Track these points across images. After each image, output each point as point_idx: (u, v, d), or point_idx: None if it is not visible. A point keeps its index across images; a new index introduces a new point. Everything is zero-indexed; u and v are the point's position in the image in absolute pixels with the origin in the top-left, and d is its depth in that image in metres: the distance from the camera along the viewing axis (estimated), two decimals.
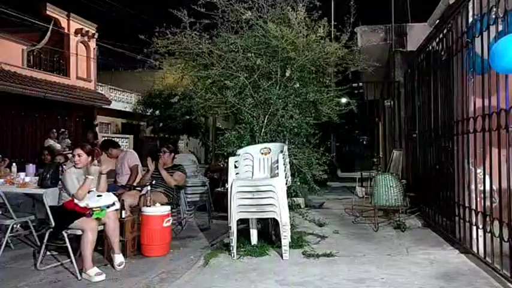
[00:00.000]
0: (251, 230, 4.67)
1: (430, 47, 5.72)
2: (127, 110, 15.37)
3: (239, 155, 4.69)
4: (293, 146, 5.22)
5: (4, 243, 4.41)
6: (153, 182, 5.24)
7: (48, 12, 13.05)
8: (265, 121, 5.14)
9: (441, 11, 6.09)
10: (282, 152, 4.45)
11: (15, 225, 4.53)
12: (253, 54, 5.10)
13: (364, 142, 17.69)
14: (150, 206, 4.59)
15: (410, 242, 4.84)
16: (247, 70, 5.21)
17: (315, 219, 5.92)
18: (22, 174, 4.99)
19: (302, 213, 6.16)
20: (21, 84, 10.89)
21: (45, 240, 4.08)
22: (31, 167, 5.20)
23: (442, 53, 5.17)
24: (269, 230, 4.77)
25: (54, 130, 8.05)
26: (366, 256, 4.28)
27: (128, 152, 6.18)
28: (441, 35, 5.16)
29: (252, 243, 4.61)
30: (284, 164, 4.39)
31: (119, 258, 4.04)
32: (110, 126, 15.34)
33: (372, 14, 10.47)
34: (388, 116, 10.96)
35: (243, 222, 4.68)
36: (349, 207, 7.07)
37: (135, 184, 5.53)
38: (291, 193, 4.98)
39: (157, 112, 12.82)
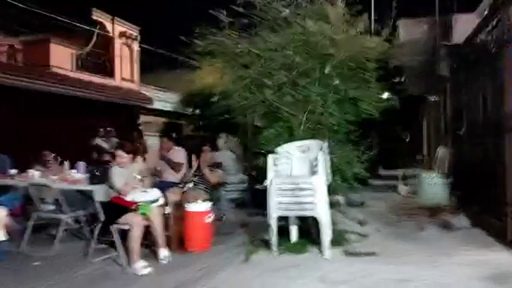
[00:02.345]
0: (290, 227, 4.68)
1: (478, 39, 5.45)
2: (169, 109, 15.81)
3: (278, 152, 4.71)
4: (333, 143, 5.16)
5: (59, 236, 4.71)
6: (195, 179, 5.39)
7: (94, 17, 13.68)
8: (304, 119, 5.12)
9: (490, 0, 5.78)
10: (321, 149, 4.42)
11: (68, 220, 4.81)
12: (291, 52, 5.09)
13: (407, 139, 17.10)
14: (192, 203, 4.73)
15: (456, 242, 4.66)
16: (286, 68, 5.20)
17: (356, 217, 5.83)
18: (74, 172, 5.29)
19: (342, 211, 6.09)
20: (71, 86, 11.52)
21: (95, 234, 4.33)
22: (81, 165, 5.49)
23: (492, 44, 4.92)
24: (309, 228, 4.75)
25: (101, 129, 8.45)
26: (409, 256, 4.17)
27: (176, 149, 6.21)
28: (490, 26, 4.91)
29: (292, 241, 4.62)
30: (324, 162, 4.36)
31: (163, 252, 4.20)
32: (153, 125, 15.84)
33: (415, 6, 10.08)
34: (432, 111, 10.55)
35: (283, 220, 4.71)
36: (392, 205, 6.89)
37: (174, 181, 5.66)
38: (331, 191, 4.93)
39: (197, 111, 13.11)
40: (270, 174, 4.45)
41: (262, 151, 5.20)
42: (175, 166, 5.72)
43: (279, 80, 5.11)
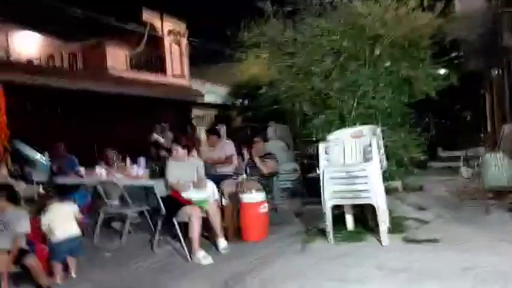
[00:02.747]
0: (346, 216, 4.63)
1: None
2: (218, 102, 16.14)
3: (329, 140, 4.65)
4: (386, 127, 4.99)
5: (125, 229, 5.04)
6: (248, 170, 5.48)
7: (144, 18, 14.22)
8: (355, 104, 4.99)
9: None
10: (374, 134, 4.30)
11: (133, 214, 5.13)
12: (338, 36, 4.96)
13: (467, 117, 16.04)
14: (246, 194, 4.82)
15: None
16: (333, 53, 5.09)
17: (415, 203, 5.62)
18: (135, 168, 5.60)
19: (400, 197, 5.90)
20: (127, 86, 12.14)
21: (158, 227, 4.58)
22: (142, 161, 5.81)
23: None
24: (366, 215, 4.67)
25: (158, 125, 8.84)
26: (471, 242, 3.96)
27: (226, 141, 6.33)
28: None
29: (348, 229, 4.57)
30: (378, 147, 4.24)
31: (222, 242, 4.36)
32: (204, 118, 16.26)
33: None
34: (495, 87, 9.80)
35: (338, 208, 4.66)
36: (453, 189, 6.55)
37: (230, 172, 5.79)
38: (387, 177, 4.79)
39: (245, 102, 13.30)
40: (322, 162, 4.41)
41: (313, 139, 5.16)
42: (224, 160, 5.83)
43: (327, 66, 5.01)
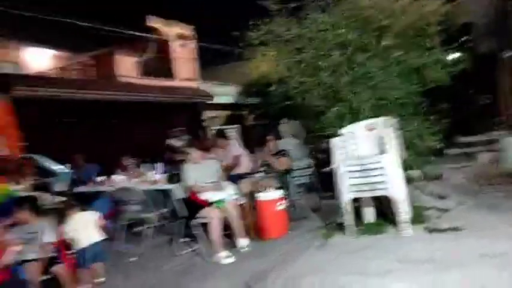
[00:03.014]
0: (364, 209, 4.62)
1: None
2: (229, 102, 16.21)
3: (342, 134, 4.64)
4: (400, 118, 4.95)
5: (147, 233, 5.12)
6: (263, 168, 5.51)
7: (148, 24, 14.35)
8: (366, 96, 4.96)
9: None
10: (389, 126, 4.28)
11: (153, 218, 5.21)
12: (343, 30, 4.93)
13: (483, 102, 15.73)
14: (262, 192, 4.86)
15: None
16: (340, 47, 5.06)
17: (434, 192, 5.56)
18: (153, 173, 5.67)
19: (419, 186, 5.84)
20: (136, 92, 12.29)
21: (178, 230, 4.65)
22: (159, 166, 5.90)
23: None
24: (384, 207, 4.65)
25: (174, 130, 8.94)
26: (495, 229, 3.90)
27: (231, 143, 6.35)
28: None
29: (368, 221, 4.56)
30: (393, 139, 4.22)
31: (242, 241, 4.40)
32: (217, 119, 16.34)
33: None
34: (508, 68, 9.59)
35: (355, 201, 4.65)
36: (473, 175, 6.45)
37: (243, 172, 5.81)
38: (405, 167, 4.75)
39: (256, 100, 13.32)
40: (336, 156, 4.41)
41: (326, 133, 5.15)
42: (233, 163, 5.78)
43: (334, 60, 4.99)
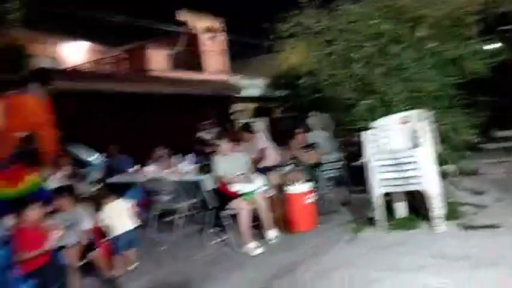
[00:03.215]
0: (395, 204, 4.53)
1: None
2: (258, 94, 16.23)
3: (375, 127, 4.55)
4: (435, 111, 4.80)
5: (178, 223, 5.24)
6: (292, 161, 5.50)
7: (181, 18, 14.55)
8: (399, 88, 4.84)
9: None
10: (423, 119, 4.16)
11: (184, 208, 5.32)
12: (376, 21, 4.81)
13: None
14: (291, 185, 4.86)
15: None
16: (373, 38, 4.95)
17: (470, 187, 5.37)
18: (185, 163, 5.78)
19: (454, 181, 5.65)
20: (167, 85, 12.52)
21: (208, 220, 4.73)
22: (190, 157, 6.02)
23: None
24: (417, 202, 4.54)
25: (204, 123, 9.04)
26: None
27: (257, 136, 6.21)
28: None
29: (399, 216, 4.47)
30: (428, 132, 4.10)
31: (271, 233, 4.43)
32: (245, 112, 16.40)
33: None
34: None
35: (386, 195, 4.57)
36: (510, 171, 6.18)
37: (271, 165, 5.79)
38: (440, 162, 4.62)
39: (285, 93, 13.26)
40: (367, 150, 4.34)
41: (356, 127, 5.06)
42: (260, 156, 5.66)
43: (367, 51, 4.88)
